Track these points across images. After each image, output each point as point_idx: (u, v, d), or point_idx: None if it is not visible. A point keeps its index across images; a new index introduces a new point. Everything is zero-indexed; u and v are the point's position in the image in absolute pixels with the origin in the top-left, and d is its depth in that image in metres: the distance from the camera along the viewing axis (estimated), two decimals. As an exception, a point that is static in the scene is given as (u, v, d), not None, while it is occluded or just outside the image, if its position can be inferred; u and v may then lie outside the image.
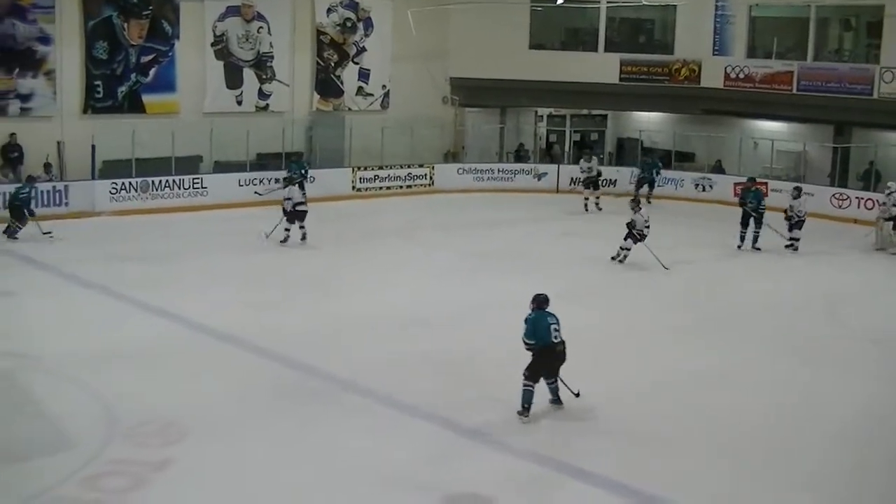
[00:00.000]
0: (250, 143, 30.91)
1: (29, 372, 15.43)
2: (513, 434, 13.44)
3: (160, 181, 28.91)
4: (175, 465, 12.20)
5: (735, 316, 19.95)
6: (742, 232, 25.95)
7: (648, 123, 37.30)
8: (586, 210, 30.51)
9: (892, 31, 31.76)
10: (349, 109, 34.60)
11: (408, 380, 15.43)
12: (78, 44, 29.04)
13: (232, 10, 31.81)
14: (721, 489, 12.13)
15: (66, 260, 22.29)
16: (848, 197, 31.07)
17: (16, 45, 27.96)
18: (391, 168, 33.18)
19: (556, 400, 14.15)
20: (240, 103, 32.31)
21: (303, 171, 29.33)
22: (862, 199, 30.45)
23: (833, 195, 31.27)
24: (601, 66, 35.56)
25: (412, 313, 19.11)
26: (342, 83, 34.54)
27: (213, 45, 31.67)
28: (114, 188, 28.18)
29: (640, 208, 23.66)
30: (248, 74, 32.50)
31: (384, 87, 35.23)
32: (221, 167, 30.77)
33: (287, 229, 24.46)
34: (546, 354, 13.73)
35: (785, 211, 26.14)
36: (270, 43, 32.70)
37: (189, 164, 30.04)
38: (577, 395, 14.13)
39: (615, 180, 33.44)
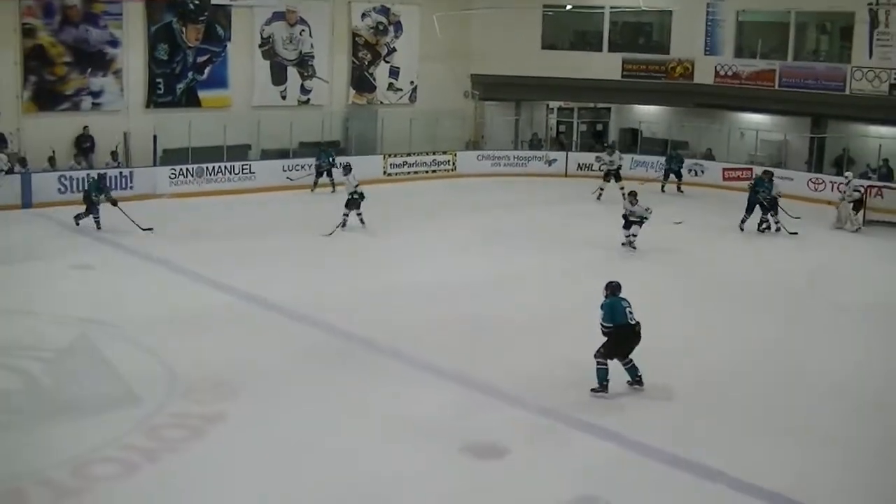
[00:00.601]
0: (293, 134, 31.13)
1: (103, 336, 15.66)
2: (529, 391, 13.55)
3: (213, 167, 29.09)
4: (228, 418, 12.47)
5: (726, 287, 20.04)
6: (746, 216, 25.57)
7: (647, 115, 37.16)
8: (598, 199, 29.63)
9: (861, 34, 31.58)
10: (381, 103, 34.73)
11: (436, 342, 15.65)
12: (142, 46, 29.26)
13: (278, 16, 31.98)
14: (712, 436, 12.35)
15: (135, 237, 22.54)
16: (823, 181, 31.12)
17: (89, 48, 28.18)
18: (418, 155, 33.31)
19: (636, 381, 13.66)
20: (284, 98, 32.48)
21: (330, 160, 29.48)
22: (835, 183, 30.34)
23: (810, 180, 31.34)
24: (605, 65, 35.49)
25: (439, 283, 19.35)
26: (375, 80, 34.67)
27: (260, 46, 31.82)
28: (173, 173, 28.39)
29: (637, 201, 22.89)
30: (292, 72, 32.65)
31: (412, 83, 35.34)
32: (267, 155, 30.98)
33: (345, 215, 24.14)
34: (623, 334, 13.32)
35: None
36: (311, 44, 32.84)
37: (239, 152, 30.26)
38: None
39: (619, 167, 33.29)
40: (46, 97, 27.79)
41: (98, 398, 13.09)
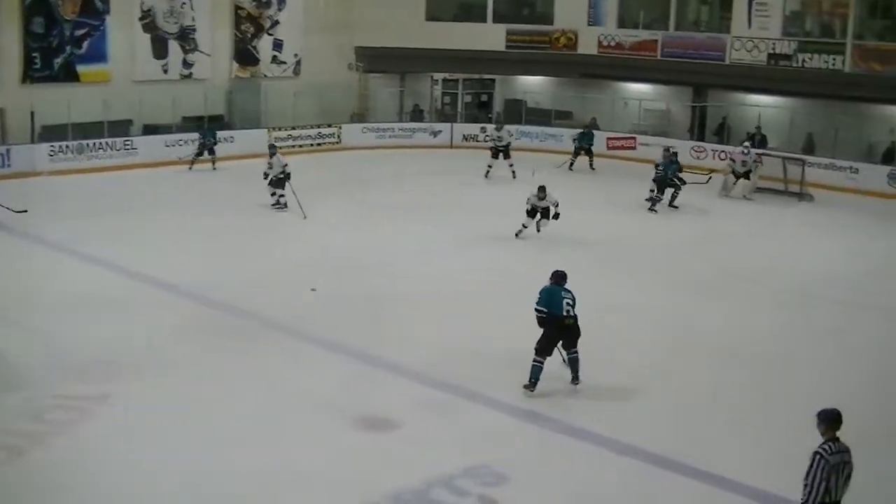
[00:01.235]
0: (176, 108, 30.58)
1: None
2: (427, 366, 13.59)
3: (94, 143, 28.42)
4: (116, 399, 12.24)
5: (622, 255, 20.24)
6: (659, 196, 25.16)
7: (532, 86, 37.37)
8: (486, 177, 28.55)
9: (740, 5, 32.22)
10: (265, 76, 34.29)
11: (333, 318, 15.58)
12: (17, 19, 28.35)
13: (157, -13, 31.38)
14: (602, 403, 12.50)
15: (13, 217, 21.64)
16: (705, 149, 31.74)
17: (-42, 23, 27.29)
18: (303, 128, 32.99)
19: (575, 378, 12.92)
20: (166, 72, 31.83)
21: (213, 138, 29.02)
22: (717, 151, 31.12)
23: (692, 148, 31.91)
24: (490, 36, 35.55)
25: (333, 259, 19.26)
26: (258, 53, 34.22)
27: (140, 19, 31.09)
28: (52, 150, 27.61)
29: (546, 195, 20.83)
30: (173, 46, 32.00)
31: (296, 55, 34.94)
32: (150, 130, 30.37)
33: (282, 195, 23.60)
34: (555, 326, 12.59)
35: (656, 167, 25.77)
36: (193, 17, 32.19)
37: (120, 128, 29.55)
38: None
39: (508, 143, 33.46)
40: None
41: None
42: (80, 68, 29.85)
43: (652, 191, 25.34)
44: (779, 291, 18.15)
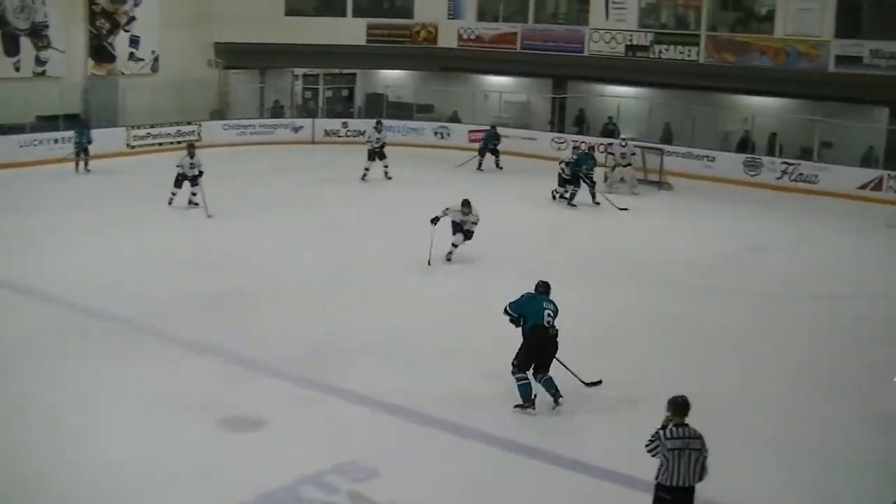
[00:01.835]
0: (29, 107, 29.49)
1: None
2: (289, 363, 13.39)
3: (-58, 145, 27.30)
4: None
5: (481, 247, 19.65)
6: (566, 190, 24.94)
7: (393, 80, 37.35)
8: (364, 179, 27.33)
9: (598, -2, 32.82)
10: (122, 74, 33.42)
11: (193, 317, 15.25)
12: None
13: (6, -18, 30.28)
14: (467, 395, 12.42)
15: None
16: (565, 140, 32.05)
17: None
18: (162, 126, 32.24)
19: (555, 396, 12.02)
20: (18, 69, 30.72)
21: (87, 137, 28.04)
22: (577, 141, 31.43)
23: (553, 139, 32.25)
24: (350, 30, 35.35)
25: (193, 256, 18.87)
26: (115, 50, 33.29)
27: (-11, 15, 30.11)
28: None
29: (471, 210, 18.66)
30: (25, 42, 30.89)
31: (153, 52, 34.08)
32: (2, 130, 29.26)
33: (194, 193, 23.13)
34: (535, 337, 11.80)
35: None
36: (45, 13, 31.14)
37: (-31, 128, 28.47)
38: (598, 383, 12.61)
39: (364, 131, 33.24)
40: None
41: None
42: (-74, 66, 28.74)
43: (556, 191, 25.28)
44: (632, 276, 18.30)
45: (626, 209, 24.60)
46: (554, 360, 12.02)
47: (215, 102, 35.65)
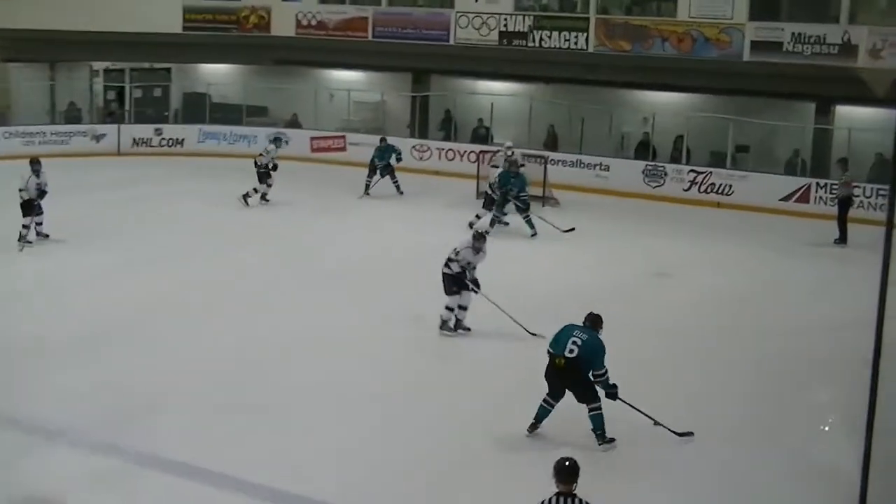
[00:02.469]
0: None
1: None
2: (93, 431, 12.60)
3: None
4: None
5: (334, 277, 19.68)
6: (487, 214, 23.96)
7: (217, 76, 36.74)
8: (246, 204, 25.92)
9: (466, -26, 32.22)
10: None
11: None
12: None
13: None
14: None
15: None
16: (429, 148, 31.43)
17: None
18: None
19: (600, 438, 12.48)
20: None
21: None
22: (443, 150, 30.67)
23: (413, 147, 31.39)
24: (162, 14, 34.37)
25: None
26: None
27: None
28: None
29: (482, 246, 16.98)
30: None
31: None
32: None
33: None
34: (548, 365, 12.52)
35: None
36: None
37: None
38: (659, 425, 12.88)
39: (182, 139, 32.40)
40: None
41: None
42: None
43: (478, 216, 24.04)
44: (510, 311, 17.50)
45: (572, 229, 23.90)
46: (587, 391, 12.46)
47: (-8, 104, 34.05)
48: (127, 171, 30.15)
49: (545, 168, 27.30)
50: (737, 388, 14.65)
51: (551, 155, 28.92)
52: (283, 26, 34.87)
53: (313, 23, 34.41)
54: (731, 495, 11.62)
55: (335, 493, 11.17)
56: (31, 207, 21.42)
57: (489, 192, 24.21)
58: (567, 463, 8.38)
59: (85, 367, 14.73)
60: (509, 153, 25.25)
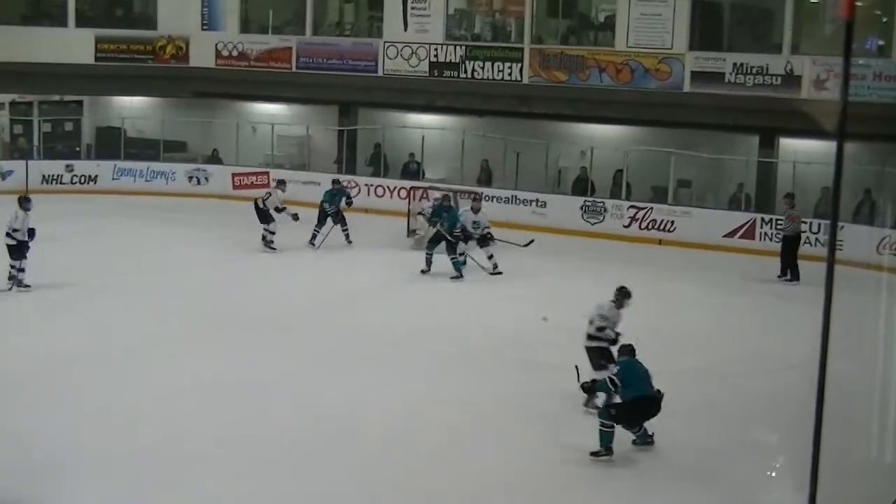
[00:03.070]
0: None
1: None
2: None
3: None
4: None
5: (250, 322, 19.51)
6: (428, 254, 23.87)
7: (132, 110, 36.48)
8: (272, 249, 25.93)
9: (393, 3, 32.30)
10: None
11: None
12: None
13: None
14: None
15: None
16: (357, 184, 31.19)
17: None
18: None
19: (645, 439, 14.02)
20: None
21: None
22: (371, 186, 30.64)
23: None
24: (72, 44, 34.15)
25: None
26: None
27: None
28: None
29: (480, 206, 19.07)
30: None
31: None
32: None
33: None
34: (641, 406, 13.62)
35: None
36: None
37: None
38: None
39: (96, 176, 32.18)
40: None
41: None
42: None
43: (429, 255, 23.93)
44: (436, 356, 17.91)
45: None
46: None
47: None
48: (35, 210, 29.75)
49: (479, 204, 27.18)
50: (677, 433, 14.46)
51: (485, 191, 28.96)
52: (202, 57, 34.76)
53: (234, 53, 34.34)
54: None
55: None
56: (21, 249, 21.13)
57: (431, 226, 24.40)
58: None
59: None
60: (442, 198, 25.12)
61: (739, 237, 27.17)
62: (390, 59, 32.33)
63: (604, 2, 31.40)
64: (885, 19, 27.82)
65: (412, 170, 31.87)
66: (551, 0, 32.04)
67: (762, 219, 27.07)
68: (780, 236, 24.94)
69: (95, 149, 35.51)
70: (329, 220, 26.13)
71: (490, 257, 24.02)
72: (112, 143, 34.55)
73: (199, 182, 32.97)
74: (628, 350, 14.07)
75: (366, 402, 15.37)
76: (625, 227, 28.41)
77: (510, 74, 30.86)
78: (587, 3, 32.39)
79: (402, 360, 17.59)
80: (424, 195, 27.23)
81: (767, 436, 14.77)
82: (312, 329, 19.22)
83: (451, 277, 23.58)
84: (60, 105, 36.67)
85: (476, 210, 24.31)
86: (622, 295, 15.78)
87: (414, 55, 31.98)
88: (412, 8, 31.97)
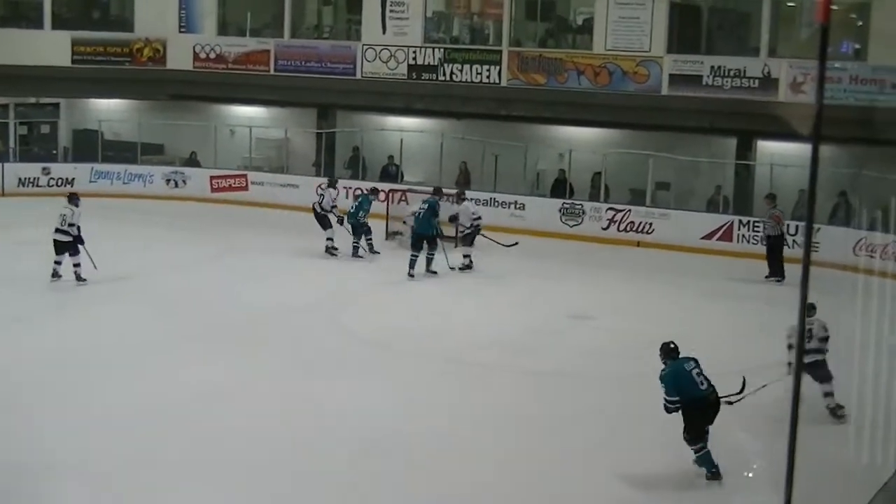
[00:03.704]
0: None
1: None
2: None
3: None
4: None
5: (231, 326, 19.38)
6: (413, 255, 23.67)
7: (110, 112, 36.28)
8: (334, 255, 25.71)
9: (372, 6, 32.33)
10: None
11: None
12: None
13: None
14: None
15: None
16: (336, 187, 31.08)
17: None
18: None
19: (712, 474, 13.02)
20: None
21: None
22: (351, 188, 30.62)
23: (320, 186, 31.25)
24: (49, 46, 34.06)
25: None
26: None
27: None
28: None
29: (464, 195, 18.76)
30: None
31: None
32: None
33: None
34: (696, 410, 12.86)
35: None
36: None
37: None
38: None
39: (73, 179, 32.13)
40: None
41: None
42: None
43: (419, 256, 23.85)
44: (418, 360, 17.87)
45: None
46: None
47: None
48: (12, 214, 29.76)
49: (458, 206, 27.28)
50: (655, 437, 14.33)
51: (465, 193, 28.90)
52: (179, 59, 34.67)
53: (212, 56, 34.29)
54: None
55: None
56: (76, 245, 21.83)
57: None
58: None
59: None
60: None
61: (717, 239, 27.22)
62: (369, 61, 32.36)
63: (582, 4, 31.48)
64: (860, 23, 27.93)
65: (391, 172, 31.87)
66: (529, 3, 32.08)
67: (740, 221, 27.15)
68: (765, 237, 24.86)
69: (72, 151, 35.36)
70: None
71: (466, 256, 24.37)
72: (89, 146, 34.38)
73: (176, 185, 32.87)
74: (667, 352, 13.16)
75: (352, 409, 15.27)
76: (603, 229, 28.44)
77: (488, 77, 30.92)
78: (565, 6, 32.47)
79: (388, 365, 17.59)
80: (403, 198, 27.27)
81: (744, 436, 14.63)
82: (296, 334, 19.14)
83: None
84: (37, 107, 36.53)
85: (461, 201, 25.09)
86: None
87: (392, 58, 32.02)
88: (390, 11, 32.01)
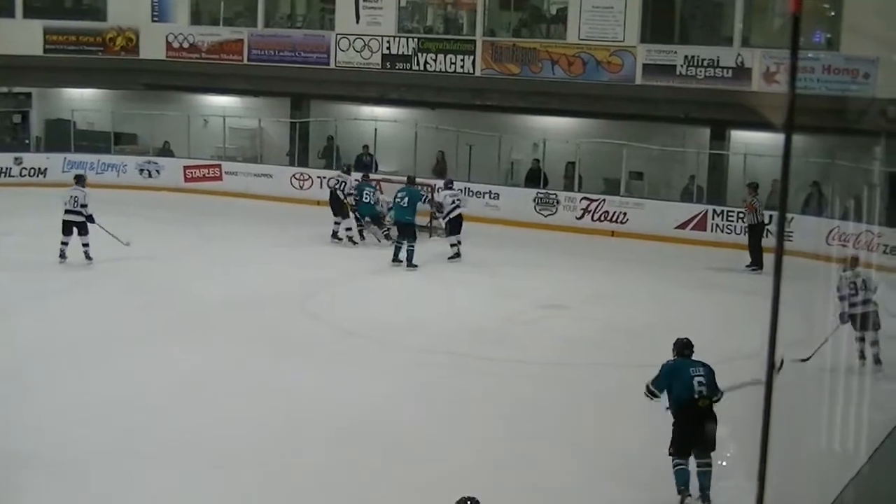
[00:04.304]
0: None
1: None
2: None
3: None
4: None
5: (206, 315, 19.37)
6: (397, 244, 23.91)
7: (82, 102, 36.07)
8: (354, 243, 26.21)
9: (345, -6, 32.21)
10: None
11: None
12: None
13: None
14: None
15: None
16: (310, 177, 31.31)
17: None
18: None
19: (705, 496, 11.83)
20: None
21: None
22: (324, 178, 30.45)
23: (293, 175, 31.42)
24: (21, 35, 34.02)
25: None
26: None
27: None
28: None
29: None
30: None
31: None
32: None
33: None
34: (682, 414, 11.82)
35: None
36: None
37: None
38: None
39: (45, 169, 32.06)
40: None
41: None
42: None
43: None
44: (386, 350, 17.85)
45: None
46: None
47: None
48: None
49: (432, 197, 27.19)
50: (627, 426, 14.46)
51: (438, 183, 28.65)
52: (152, 49, 34.62)
53: (185, 45, 34.25)
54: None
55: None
56: (87, 225, 22.63)
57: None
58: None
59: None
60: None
61: (691, 228, 27.35)
62: (342, 51, 32.35)
63: (556, -6, 31.48)
64: (832, 13, 27.98)
65: (365, 162, 31.70)
66: (503, -8, 32.12)
67: (714, 210, 27.28)
68: (746, 226, 25.00)
69: (45, 141, 35.19)
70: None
71: (454, 245, 24.63)
72: (62, 136, 34.27)
73: (150, 175, 32.83)
74: (679, 346, 12.31)
75: (327, 397, 15.28)
76: (577, 218, 28.52)
77: (462, 67, 30.94)
78: (539, -4, 32.48)
79: (362, 353, 17.56)
80: (378, 187, 27.23)
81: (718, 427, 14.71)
82: (270, 324, 19.05)
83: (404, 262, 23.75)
84: (9, 97, 36.24)
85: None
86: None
87: (366, 47, 32.01)
88: (364, 0, 31.95)
